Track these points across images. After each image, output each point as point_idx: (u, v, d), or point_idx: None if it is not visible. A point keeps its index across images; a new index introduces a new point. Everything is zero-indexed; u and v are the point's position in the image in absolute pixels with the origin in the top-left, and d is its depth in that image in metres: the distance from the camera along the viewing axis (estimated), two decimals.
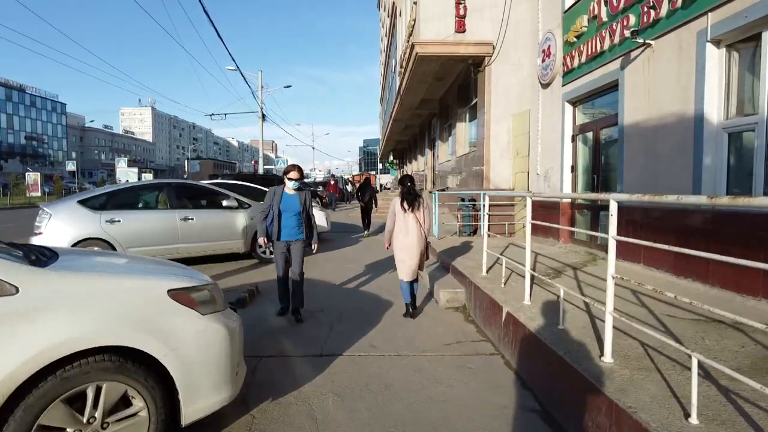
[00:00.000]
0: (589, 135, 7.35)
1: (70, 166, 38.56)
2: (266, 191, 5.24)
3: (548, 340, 3.07)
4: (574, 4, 7.34)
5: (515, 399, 3.06)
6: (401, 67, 13.82)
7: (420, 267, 4.98)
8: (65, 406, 1.91)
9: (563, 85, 7.74)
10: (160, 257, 6.71)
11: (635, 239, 2.64)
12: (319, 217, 9.68)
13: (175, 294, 2.26)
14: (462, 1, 10.40)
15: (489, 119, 10.58)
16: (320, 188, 26.05)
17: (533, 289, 4.25)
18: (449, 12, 10.48)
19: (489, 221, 6.22)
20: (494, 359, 3.76)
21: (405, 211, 4.82)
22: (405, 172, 31.76)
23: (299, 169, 4.77)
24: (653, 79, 5.44)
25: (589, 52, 6.81)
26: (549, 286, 4.51)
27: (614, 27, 6.11)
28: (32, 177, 34.86)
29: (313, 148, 60.10)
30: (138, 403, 2.11)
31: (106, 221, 6.60)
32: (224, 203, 7.71)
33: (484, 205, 5.83)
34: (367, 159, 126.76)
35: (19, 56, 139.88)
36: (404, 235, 4.83)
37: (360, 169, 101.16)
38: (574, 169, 7.69)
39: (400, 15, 17.73)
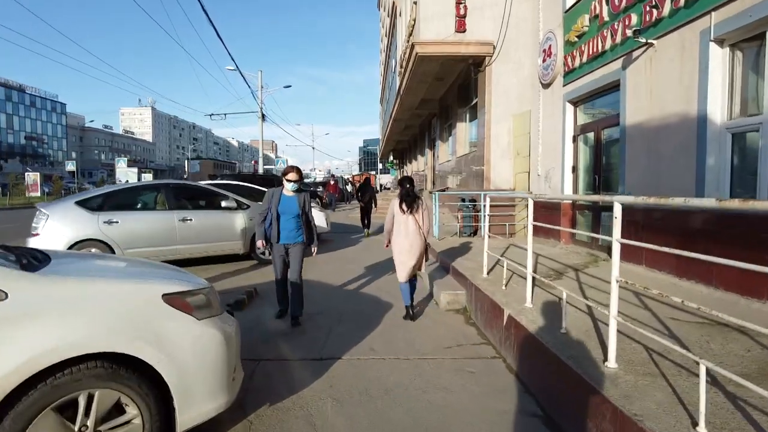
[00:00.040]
0: (591, 135, 7.30)
1: (70, 166, 38.47)
2: (266, 191, 5.17)
3: (551, 344, 3.02)
4: (575, 4, 7.28)
5: (517, 404, 3.01)
6: (401, 67, 13.78)
7: (419, 267, 4.96)
8: (56, 414, 1.86)
9: (564, 85, 7.68)
10: (158, 258, 6.75)
11: (636, 240, 2.60)
12: (319, 218, 9.64)
13: (170, 298, 2.21)
14: (462, 1, 10.35)
15: (489, 119, 10.53)
16: (320, 188, 25.97)
17: (534, 291, 4.20)
18: (449, 12, 10.43)
19: (489, 222, 6.18)
20: (495, 363, 3.71)
21: (404, 212, 4.78)
22: (405, 172, 31.76)
23: (298, 171, 4.67)
24: (655, 79, 5.39)
25: (591, 52, 6.75)
26: (550, 288, 4.46)
27: (616, 26, 6.05)
28: (32, 177, 34.78)
29: (313, 148, 60.10)
30: (132, 411, 2.06)
31: (104, 222, 6.55)
32: (223, 204, 7.66)
33: (484, 206, 5.78)
34: (367, 159, 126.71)
35: (19, 56, 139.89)
36: (403, 237, 4.79)
37: (360, 169, 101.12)
38: (575, 169, 7.63)
39: (400, 15, 17.68)
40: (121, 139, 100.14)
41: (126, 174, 33.36)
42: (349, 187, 33.33)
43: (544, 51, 8.26)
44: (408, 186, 4.92)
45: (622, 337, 2.94)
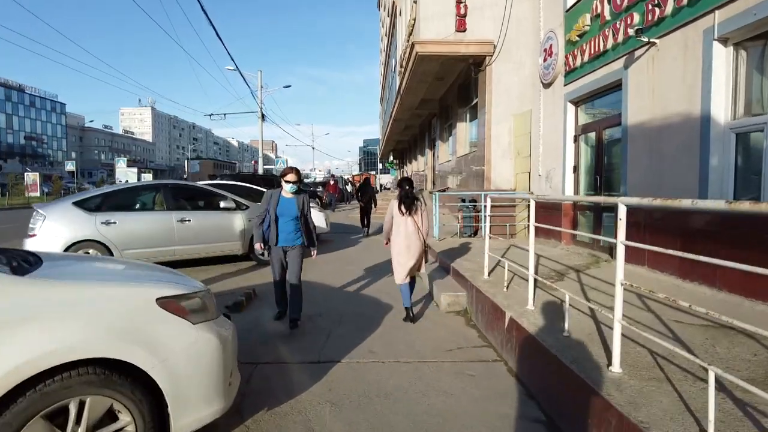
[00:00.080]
0: (592, 135, 7.24)
1: (69, 166, 38.42)
2: (265, 192, 5.11)
3: (553, 348, 2.97)
4: (576, 3, 7.23)
5: (519, 408, 2.96)
6: (401, 66, 13.73)
7: (417, 269, 4.93)
8: (45, 422, 1.80)
9: (565, 85, 7.63)
10: (156, 260, 6.69)
11: (638, 241, 2.53)
12: (318, 218, 9.58)
13: (165, 302, 2.16)
14: (462, 0, 10.30)
15: (490, 119, 10.48)
16: (320, 188, 25.90)
17: (536, 293, 4.15)
18: (450, 11, 10.38)
19: (490, 222, 6.12)
20: (497, 366, 3.66)
21: (403, 214, 4.74)
22: (405, 172, 31.70)
23: (297, 172, 4.57)
24: (658, 79, 5.34)
25: (592, 51, 6.70)
26: (552, 290, 4.41)
27: (618, 25, 6.00)
28: (31, 177, 34.75)
29: (313, 148, 60.05)
30: (125, 418, 2.01)
31: (102, 223, 6.50)
32: (222, 204, 7.60)
33: (485, 206, 5.73)
34: (367, 159, 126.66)
35: (19, 56, 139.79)
36: (402, 238, 4.75)
37: (360, 169, 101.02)
38: (576, 169, 7.58)
39: (400, 14, 17.63)
40: (120, 139, 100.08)
41: (126, 174, 33.33)
42: (349, 188, 33.25)
43: (545, 50, 8.21)
44: (407, 187, 4.88)
45: (625, 340, 2.89)
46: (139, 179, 33.75)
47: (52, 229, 6.28)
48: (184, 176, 51.54)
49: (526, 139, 9.40)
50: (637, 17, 5.58)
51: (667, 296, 2.24)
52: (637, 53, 5.69)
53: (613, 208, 6.34)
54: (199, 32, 17.02)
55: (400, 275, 4.78)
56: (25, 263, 2.14)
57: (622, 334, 2.66)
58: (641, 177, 5.67)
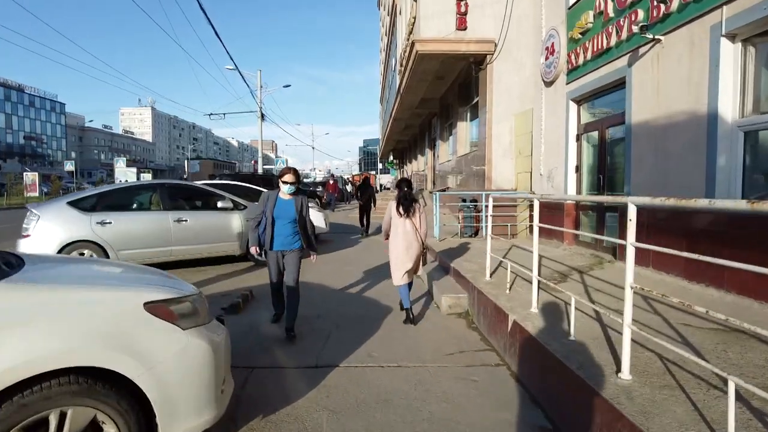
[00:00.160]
0: (595, 134, 7.14)
1: (69, 166, 38.26)
2: (263, 193, 4.99)
3: (559, 353, 2.86)
4: (578, 0, 7.13)
5: (523, 416, 2.86)
6: (401, 65, 13.63)
7: (415, 271, 4.87)
8: None
9: (567, 83, 7.53)
10: (152, 260, 6.59)
11: (639, 242, 2.43)
12: (317, 218, 9.48)
13: (153, 307, 2.05)
14: None
15: (491, 118, 10.38)
16: (319, 188, 25.77)
17: (539, 295, 4.04)
18: (450, 9, 10.27)
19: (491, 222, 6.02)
20: (500, 371, 3.56)
21: (401, 216, 4.66)
22: (405, 172, 31.60)
23: (295, 172, 4.39)
24: (663, 76, 5.23)
25: (595, 49, 6.60)
26: (556, 292, 4.30)
27: (621, 23, 5.90)
28: (30, 177, 34.58)
29: (313, 148, 59.96)
30: (109, 429, 1.90)
31: (97, 223, 6.39)
32: (219, 204, 7.49)
33: (486, 206, 5.62)
34: (367, 159, 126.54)
35: (18, 56, 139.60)
36: (401, 240, 4.70)
37: (360, 169, 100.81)
38: (578, 169, 7.48)
39: (400, 13, 17.53)
40: (120, 139, 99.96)
41: (125, 174, 33.18)
42: (348, 187, 33.13)
43: (547, 49, 8.11)
44: (405, 189, 4.80)
45: (634, 345, 2.78)
46: (138, 179, 33.60)
47: (47, 229, 6.17)
48: (184, 176, 51.41)
49: (528, 138, 9.29)
50: (641, 14, 5.48)
51: (682, 301, 2.13)
52: (642, 51, 5.58)
53: (616, 208, 6.24)
54: (198, 32, 16.93)
55: (399, 277, 4.72)
56: (5, 265, 2.03)
57: (632, 339, 2.56)
58: (646, 176, 5.57)
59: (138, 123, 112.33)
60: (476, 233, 9.33)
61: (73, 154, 76.19)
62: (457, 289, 5.45)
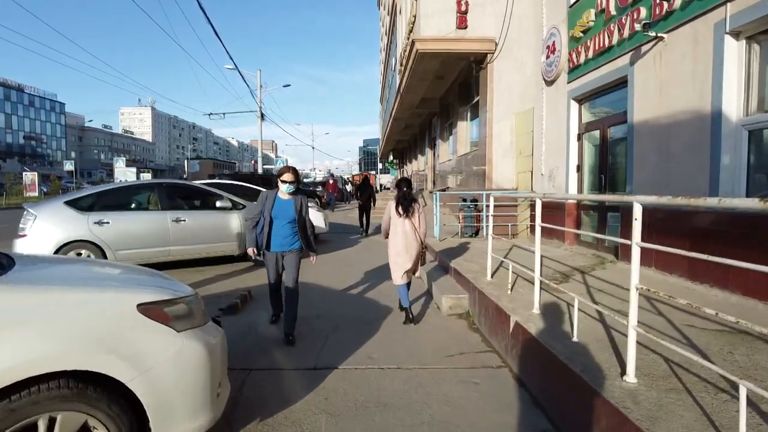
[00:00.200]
0: (596, 133, 7.09)
1: (68, 166, 38.21)
2: (261, 192, 4.92)
3: (562, 355, 2.81)
4: None
5: (525, 419, 2.80)
6: (401, 64, 13.57)
7: (414, 271, 4.84)
8: None
9: (569, 82, 7.48)
10: (150, 260, 6.53)
11: (644, 242, 2.38)
12: (317, 218, 9.43)
13: (146, 309, 2.00)
14: None
15: (491, 118, 10.32)
16: (319, 188, 25.68)
17: (541, 296, 3.98)
18: (450, 8, 10.22)
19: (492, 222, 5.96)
20: (501, 373, 3.50)
21: (400, 216, 4.63)
22: (405, 172, 31.54)
23: (294, 171, 4.28)
24: (666, 75, 5.18)
25: (597, 48, 6.55)
26: (558, 293, 4.25)
27: (623, 20, 5.84)
28: (29, 177, 34.53)
29: (313, 147, 59.90)
30: None
31: (94, 223, 6.33)
32: (218, 204, 7.44)
33: (487, 206, 5.57)
34: (367, 159, 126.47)
35: (18, 56, 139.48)
36: (400, 240, 4.68)
37: (360, 169, 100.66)
38: (580, 168, 7.42)
39: (400, 12, 17.48)
40: (120, 139, 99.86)
41: (125, 174, 33.15)
42: (348, 187, 33.05)
43: (548, 47, 8.05)
44: (405, 189, 4.77)
45: (638, 347, 2.72)
46: (138, 179, 33.54)
47: (43, 229, 6.12)
48: (184, 176, 51.34)
49: (528, 137, 9.24)
50: (644, 11, 5.43)
51: (690, 302, 2.08)
52: (644, 49, 5.53)
53: (618, 208, 6.19)
54: (198, 31, 16.87)
55: (398, 276, 4.72)
56: None
57: (637, 341, 2.50)
58: (648, 175, 5.52)
59: (138, 123, 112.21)
60: (476, 233, 9.28)
61: (73, 154, 76.13)
62: (458, 290, 5.40)
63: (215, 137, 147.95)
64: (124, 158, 37.46)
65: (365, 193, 12.68)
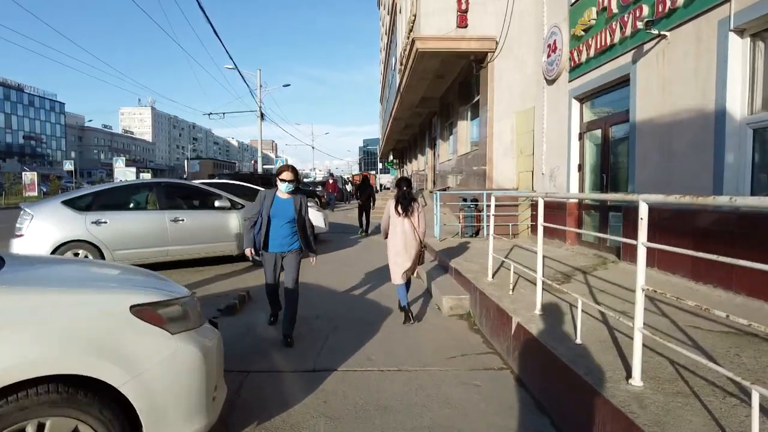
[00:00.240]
0: (598, 132, 7.04)
1: (68, 166, 38.15)
2: (259, 191, 4.85)
3: (565, 357, 2.75)
4: None
5: (527, 422, 2.75)
6: (401, 64, 13.51)
7: (413, 271, 4.81)
8: None
9: (570, 81, 7.43)
10: (149, 260, 6.48)
11: (653, 243, 2.33)
12: (317, 218, 9.37)
13: (139, 310, 1.94)
14: None
15: (492, 117, 10.27)
16: (319, 188, 25.61)
17: (543, 296, 3.93)
18: (451, 6, 10.17)
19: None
20: (503, 375, 3.45)
21: (399, 215, 4.60)
22: (405, 172, 31.48)
23: (293, 170, 4.18)
24: (669, 73, 5.13)
25: (598, 46, 6.49)
26: (560, 293, 4.19)
27: (626, 18, 5.79)
28: (29, 177, 34.44)
29: (313, 147, 59.84)
30: None
31: (92, 222, 6.28)
32: (216, 204, 7.38)
33: (488, 206, 5.51)
34: (367, 159, 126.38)
35: (17, 55, 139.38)
36: (399, 239, 4.65)
37: (360, 169, 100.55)
38: (581, 167, 7.37)
39: (400, 12, 17.42)
40: (120, 139, 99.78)
41: (124, 173, 33.04)
42: (348, 187, 32.97)
43: (549, 46, 8.00)
44: (405, 188, 4.74)
45: (644, 349, 2.67)
46: (138, 179, 33.46)
47: (40, 228, 6.06)
48: (184, 176, 51.24)
49: (529, 137, 9.19)
50: (646, 9, 5.38)
51: (698, 304, 2.02)
52: (646, 47, 5.48)
53: (620, 208, 6.13)
54: (197, 31, 16.81)
55: (397, 276, 4.70)
56: None
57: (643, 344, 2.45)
58: (650, 175, 5.46)
59: (138, 123, 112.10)
60: (477, 233, 9.23)
61: (73, 154, 76.09)
62: (459, 290, 5.34)
63: (215, 137, 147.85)
64: (124, 158, 37.35)
65: (365, 192, 12.66)
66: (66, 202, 6.37)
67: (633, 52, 5.75)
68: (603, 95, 6.91)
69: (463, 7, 10.09)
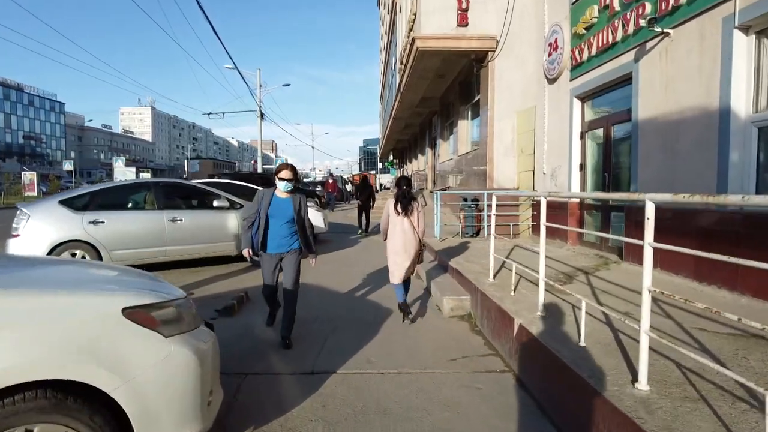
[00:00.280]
0: (599, 132, 6.98)
1: (68, 166, 38.07)
2: (258, 190, 4.78)
3: (568, 360, 2.70)
4: None
5: (530, 426, 2.70)
6: (401, 63, 13.45)
7: (412, 270, 4.78)
8: None
9: (571, 80, 7.37)
10: (147, 261, 6.42)
11: (659, 243, 2.27)
12: (316, 218, 9.32)
13: (132, 313, 1.89)
14: None
15: (492, 116, 10.21)
16: (318, 188, 25.54)
17: (545, 297, 3.87)
18: (451, 5, 10.11)
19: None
20: (505, 377, 3.39)
21: (398, 214, 4.55)
22: (405, 172, 31.41)
23: (292, 169, 4.10)
24: (672, 71, 5.07)
25: (600, 44, 6.44)
26: (563, 294, 4.13)
27: (628, 16, 5.73)
28: (28, 176, 34.35)
29: (313, 147, 59.75)
30: None
31: (89, 222, 6.22)
32: (215, 203, 7.32)
33: (489, 206, 5.45)
34: (367, 159, 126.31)
35: (17, 55, 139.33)
36: (398, 237, 4.61)
37: (360, 169, 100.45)
38: (582, 167, 7.32)
39: (400, 11, 17.36)
40: (120, 139, 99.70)
41: (124, 173, 32.93)
42: (348, 187, 32.90)
43: (550, 45, 7.94)
44: (404, 187, 4.70)
45: (649, 352, 2.62)
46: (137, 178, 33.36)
47: (37, 228, 6.01)
48: (184, 176, 51.17)
49: (530, 136, 9.13)
50: (649, 7, 5.32)
51: (708, 306, 1.97)
52: (649, 45, 5.42)
53: (622, 208, 6.08)
54: (197, 31, 16.75)
55: (396, 275, 4.66)
56: None
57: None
58: (653, 174, 5.41)
59: (138, 123, 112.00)
60: (477, 233, 9.17)
61: (73, 154, 76.10)
62: (460, 291, 5.29)
63: (215, 137, 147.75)
64: (124, 158, 37.29)
65: (365, 192, 12.62)
66: (63, 202, 6.31)
67: (635, 50, 5.70)
68: (605, 94, 6.85)
69: (464, 5, 10.03)
